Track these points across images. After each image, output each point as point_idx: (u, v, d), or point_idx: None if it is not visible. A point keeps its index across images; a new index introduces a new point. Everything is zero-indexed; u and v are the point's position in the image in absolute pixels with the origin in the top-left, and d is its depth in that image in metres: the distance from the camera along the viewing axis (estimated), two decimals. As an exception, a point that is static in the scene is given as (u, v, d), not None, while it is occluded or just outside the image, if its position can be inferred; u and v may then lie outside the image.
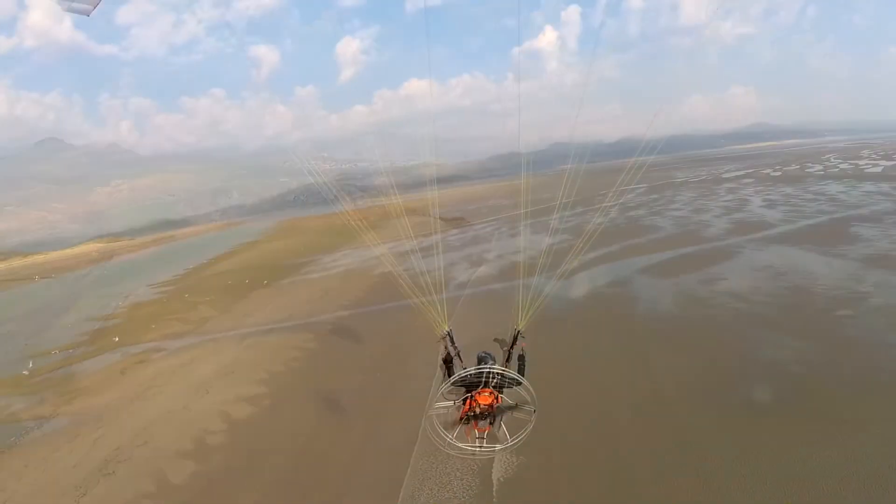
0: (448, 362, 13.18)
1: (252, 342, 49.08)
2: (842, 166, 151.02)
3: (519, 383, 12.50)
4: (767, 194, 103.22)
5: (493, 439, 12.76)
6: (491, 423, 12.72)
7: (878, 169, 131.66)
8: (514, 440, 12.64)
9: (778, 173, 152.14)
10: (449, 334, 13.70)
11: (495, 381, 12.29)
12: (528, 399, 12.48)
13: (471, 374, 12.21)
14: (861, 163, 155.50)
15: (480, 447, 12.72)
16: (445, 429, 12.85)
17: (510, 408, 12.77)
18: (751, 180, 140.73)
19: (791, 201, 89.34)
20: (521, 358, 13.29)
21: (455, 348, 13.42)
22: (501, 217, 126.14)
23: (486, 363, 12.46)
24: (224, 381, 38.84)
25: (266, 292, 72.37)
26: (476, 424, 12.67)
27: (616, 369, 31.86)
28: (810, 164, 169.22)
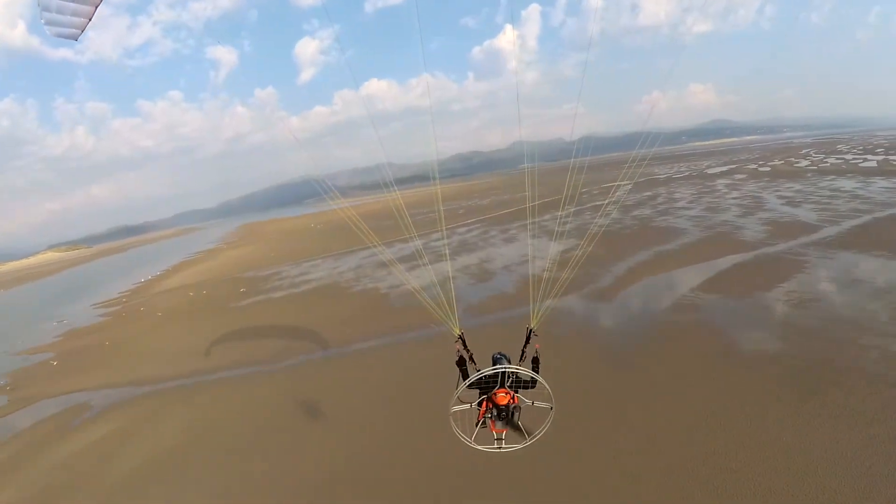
0: (461, 364, 12.74)
1: (205, 399, 36.05)
2: (830, 161, 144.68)
3: (535, 382, 12.26)
4: (776, 191, 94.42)
5: (512, 439, 12.52)
6: (508, 423, 12.47)
7: (872, 164, 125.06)
8: (532, 438, 12.62)
9: (767, 168, 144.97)
10: (461, 337, 13.18)
11: (510, 380, 12.18)
12: (545, 397, 12.46)
13: (486, 375, 12.02)
14: (847, 157, 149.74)
15: (500, 448, 12.51)
16: (464, 431, 12.60)
17: (526, 405, 12.61)
18: (743, 176, 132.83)
19: (810, 199, 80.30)
20: (535, 360, 12.92)
21: (468, 351, 13.13)
22: (484, 219, 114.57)
23: (500, 364, 12.24)
24: (158, 484, 25.88)
25: (224, 320, 58.75)
26: (494, 425, 12.42)
27: (750, 455, 20.47)
28: (794, 160, 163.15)
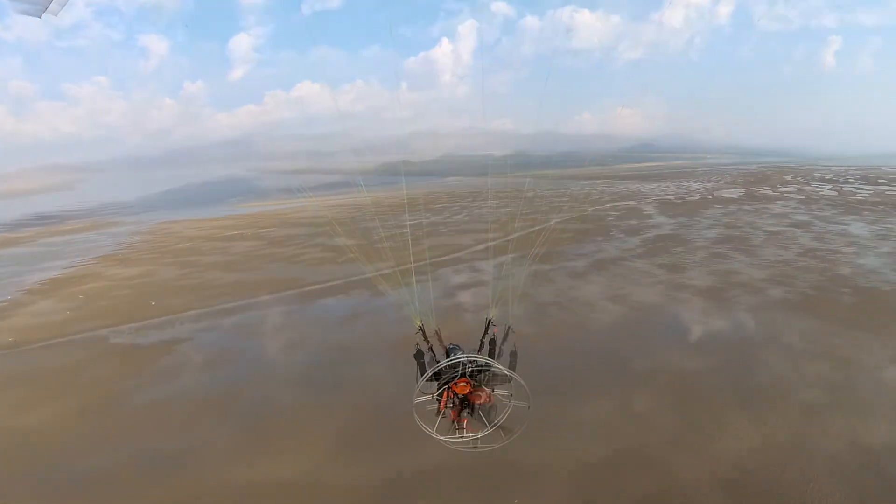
0: (419, 357, 12.39)
1: None
2: (858, 189, 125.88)
3: (489, 368, 11.83)
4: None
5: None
6: (470, 413, 12.05)
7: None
8: (493, 425, 12.12)
9: (800, 196, 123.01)
10: (421, 329, 12.92)
11: (469, 369, 11.71)
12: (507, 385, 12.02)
13: (445, 366, 11.62)
14: (864, 187, 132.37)
15: (461, 437, 12.10)
16: (427, 422, 12.06)
17: (488, 395, 12.12)
18: (791, 202, 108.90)
19: None
20: (514, 354, 12.42)
21: (427, 342, 12.71)
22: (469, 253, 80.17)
23: (454, 353, 11.87)
24: None
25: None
26: (455, 415, 12.06)
27: None
28: (804, 187, 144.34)
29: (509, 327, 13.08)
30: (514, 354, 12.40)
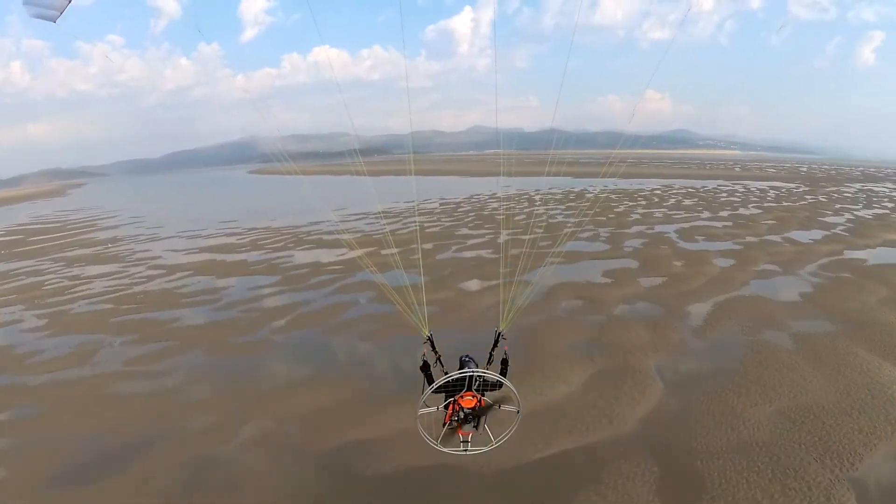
0: (425, 370, 11.57)
1: None
2: None
3: (501, 385, 11.30)
4: None
5: (478, 441, 11.67)
6: (475, 427, 11.70)
7: None
8: (498, 441, 11.80)
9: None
10: (430, 339, 12.11)
11: (478, 383, 11.16)
12: (512, 399, 11.57)
13: (453, 379, 10.87)
14: None
15: (466, 450, 11.65)
16: (431, 433, 11.56)
17: (493, 409, 11.61)
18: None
19: None
20: (504, 362, 11.86)
21: (437, 353, 11.98)
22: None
23: (468, 367, 11.09)
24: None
25: None
26: (460, 428, 11.63)
27: None
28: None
29: (499, 333, 12.21)
30: (505, 362, 11.84)
